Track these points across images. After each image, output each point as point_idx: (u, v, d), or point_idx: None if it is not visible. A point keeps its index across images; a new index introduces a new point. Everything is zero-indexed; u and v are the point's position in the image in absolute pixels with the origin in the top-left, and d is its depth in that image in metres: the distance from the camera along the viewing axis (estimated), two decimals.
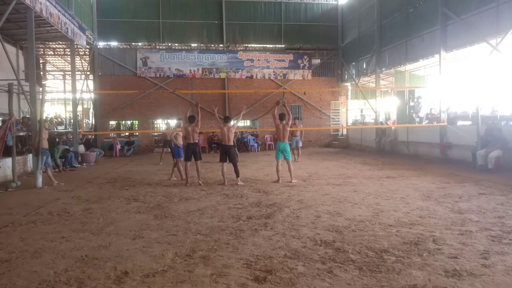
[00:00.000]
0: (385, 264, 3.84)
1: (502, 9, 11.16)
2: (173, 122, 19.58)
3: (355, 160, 14.72)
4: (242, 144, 21.20)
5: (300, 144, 14.91)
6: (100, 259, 4.13)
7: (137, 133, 21.54)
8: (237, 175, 9.44)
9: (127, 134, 21.16)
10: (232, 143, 9.67)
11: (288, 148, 9.71)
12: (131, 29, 21.21)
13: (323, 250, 4.31)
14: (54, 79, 26.54)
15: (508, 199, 6.75)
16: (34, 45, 11.58)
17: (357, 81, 21.39)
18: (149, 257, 4.17)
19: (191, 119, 9.61)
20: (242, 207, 6.64)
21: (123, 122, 22.21)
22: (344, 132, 23.24)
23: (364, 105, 22.27)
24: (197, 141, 9.73)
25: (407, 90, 16.88)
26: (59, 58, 23.56)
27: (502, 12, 11.14)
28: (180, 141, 10.41)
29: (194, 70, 21.65)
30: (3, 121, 11.41)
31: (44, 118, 10.64)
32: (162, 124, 22.51)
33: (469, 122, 13.01)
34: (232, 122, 10.01)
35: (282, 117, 9.64)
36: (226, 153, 9.49)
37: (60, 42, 19.47)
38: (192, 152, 9.52)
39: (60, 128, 20.50)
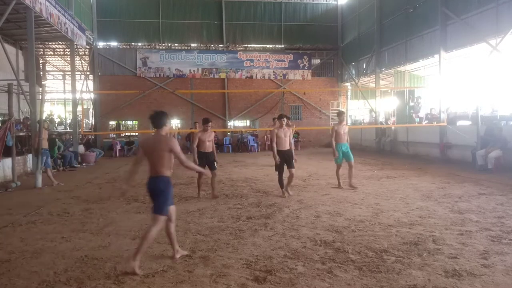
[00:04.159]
0: (385, 264, 3.83)
1: (501, 9, 11.17)
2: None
3: (355, 160, 14.58)
4: (241, 144, 21.20)
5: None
6: (100, 259, 4.13)
7: (137, 133, 21.51)
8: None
9: (127, 134, 21.12)
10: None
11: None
12: (130, 29, 21.22)
13: (323, 250, 4.31)
14: (54, 79, 26.49)
15: (508, 199, 6.75)
16: (34, 45, 11.57)
17: (357, 81, 21.39)
18: (149, 257, 4.17)
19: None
20: (242, 207, 6.64)
21: (123, 122, 22.20)
22: None
23: (364, 105, 22.25)
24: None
25: (407, 90, 16.88)
26: (59, 58, 23.54)
27: (502, 12, 11.15)
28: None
29: (194, 70, 21.64)
30: (3, 122, 11.39)
31: (43, 118, 10.64)
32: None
33: (469, 122, 13.00)
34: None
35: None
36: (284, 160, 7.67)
37: (60, 42, 19.46)
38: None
39: (60, 128, 20.48)
